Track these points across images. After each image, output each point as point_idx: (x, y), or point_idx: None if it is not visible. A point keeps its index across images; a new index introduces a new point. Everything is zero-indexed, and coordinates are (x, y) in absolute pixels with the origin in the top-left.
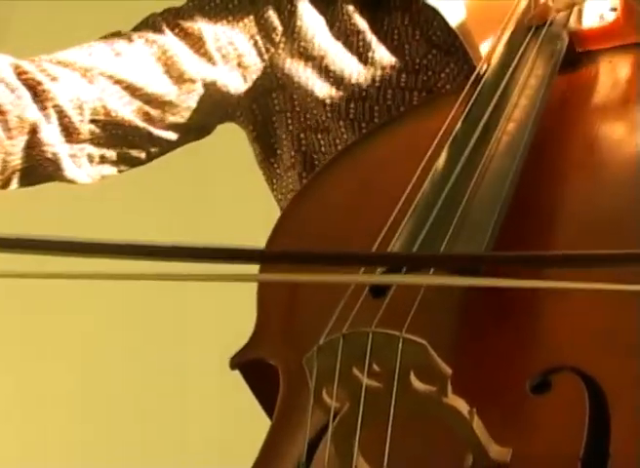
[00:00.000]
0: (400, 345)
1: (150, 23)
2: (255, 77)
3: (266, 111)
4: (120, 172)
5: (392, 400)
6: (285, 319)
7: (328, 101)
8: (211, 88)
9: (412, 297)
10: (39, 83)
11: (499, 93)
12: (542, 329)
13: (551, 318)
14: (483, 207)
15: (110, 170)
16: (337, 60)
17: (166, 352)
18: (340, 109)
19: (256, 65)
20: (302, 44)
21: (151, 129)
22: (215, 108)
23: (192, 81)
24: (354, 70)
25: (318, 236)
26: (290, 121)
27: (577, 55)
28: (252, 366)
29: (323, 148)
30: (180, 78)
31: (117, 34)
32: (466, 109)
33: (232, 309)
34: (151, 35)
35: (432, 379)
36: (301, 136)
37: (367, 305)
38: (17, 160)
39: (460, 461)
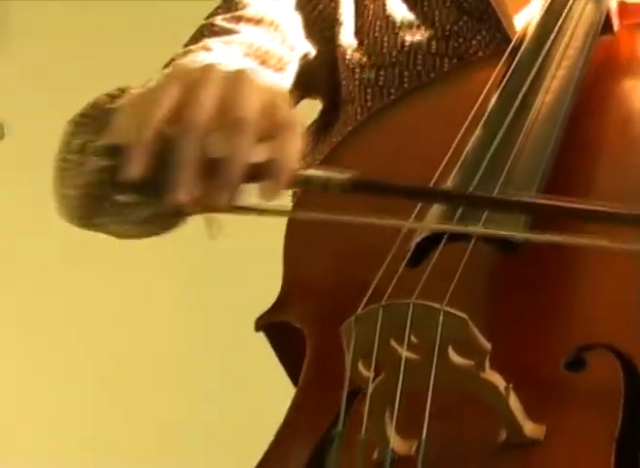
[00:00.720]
0: (440, 318)
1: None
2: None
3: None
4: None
5: (431, 372)
6: (314, 280)
7: (357, 70)
8: (303, 63)
9: (452, 269)
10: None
11: (537, 64)
12: (578, 304)
13: (588, 294)
14: (524, 179)
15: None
16: (369, 28)
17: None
18: (369, 78)
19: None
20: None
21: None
22: (305, 84)
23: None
24: (385, 36)
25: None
26: (353, 94)
27: (613, 27)
28: (277, 328)
29: (348, 120)
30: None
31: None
32: (504, 80)
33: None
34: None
35: (471, 354)
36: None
37: (406, 275)
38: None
39: (493, 437)
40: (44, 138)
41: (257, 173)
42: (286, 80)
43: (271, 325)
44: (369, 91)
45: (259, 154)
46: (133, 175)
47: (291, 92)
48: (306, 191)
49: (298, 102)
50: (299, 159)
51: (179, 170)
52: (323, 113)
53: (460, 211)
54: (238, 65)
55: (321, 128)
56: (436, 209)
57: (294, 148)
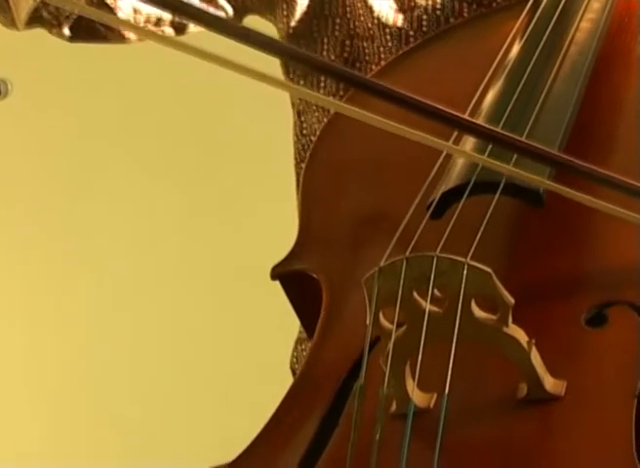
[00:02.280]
0: (464, 272)
1: None
2: None
3: (313, 13)
4: None
5: (455, 326)
6: (331, 230)
7: (376, 8)
8: None
9: (476, 222)
10: None
11: (559, 14)
12: (601, 262)
13: (610, 252)
14: (546, 131)
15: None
16: None
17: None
18: (387, 17)
19: None
20: None
21: None
22: None
23: None
24: None
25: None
26: (338, 26)
27: None
28: (293, 277)
29: (367, 57)
30: None
31: None
32: (527, 31)
33: None
34: None
35: (494, 308)
36: (347, 42)
37: (428, 227)
38: None
39: (514, 391)
40: (47, 96)
41: None
42: None
43: (287, 273)
44: (387, 31)
45: None
46: None
47: None
48: None
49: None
50: None
51: None
52: (296, 38)
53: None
54: None
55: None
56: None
57: None
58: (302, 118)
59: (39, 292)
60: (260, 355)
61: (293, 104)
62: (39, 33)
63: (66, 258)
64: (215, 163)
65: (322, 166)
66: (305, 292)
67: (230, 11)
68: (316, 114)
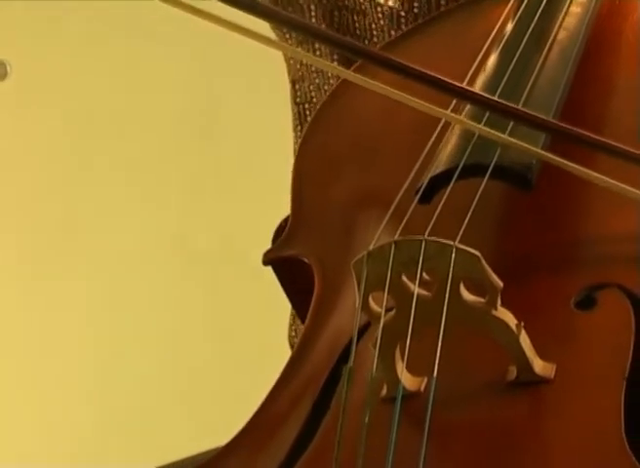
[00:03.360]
0: (453, 255)
1: None
2: None
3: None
4: None
5: (443, 309)
6: (323, 215)
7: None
8: None
9: (465, 205)
10: None
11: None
12: (590, 245)
13: (600, 235)
14: (538, 106)
15: None
16: None
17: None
18: (391, 17)
19: None
20: None
21: None
22: None
23: None
24: None
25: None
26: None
27: None
28: (285, 263)
29: (358, 31)
30: None
31: None
32: (517, 15)
33: None
34: None
35: (482, 291)
36: (335, 13)
37: (417, 211)
38: None
39: (503, 374)
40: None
41: None
42: None
43: (279, 259)
44: (379, 9)
45: None
46: None
47: None
48: None
49: None
50: None
51: None
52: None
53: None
54: None
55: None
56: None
57: None
58: (297, 86)
59: (32, 280)
60: (254, 341)
61: (288, 72)
62: (39, 15)
63: (63, 242)
64: (210, 147)
65: (314, 150)
66: (297, 277)
67: None
68: (317, 81)
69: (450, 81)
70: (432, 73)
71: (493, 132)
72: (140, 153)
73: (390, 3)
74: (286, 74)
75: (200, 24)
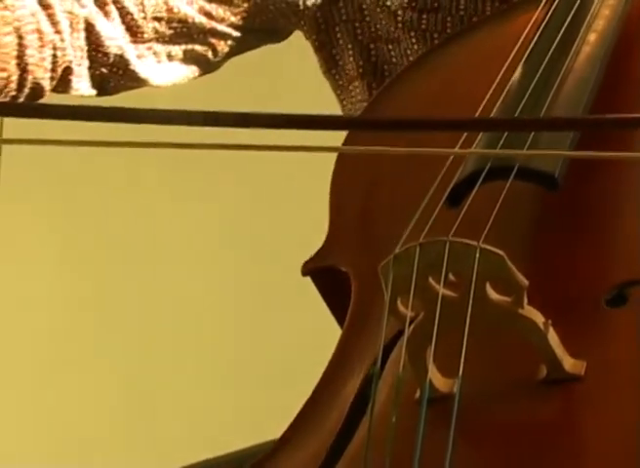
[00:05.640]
0: (477, 255)
1: None
2: None
3: (331, 20)
4: (192, 73)
5: (468, 310)
6: (358, 224)
7: (400, 12)
8: None
9: (490, 207)
10: None
11: (578, 1)
12: (619, 242)
13: (628, 232)
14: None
15: (180, 69)
16: None
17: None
18: (412, 20)
19: None
20: None
21: (215, 25)
22: (279, 14)
23: None
24: None
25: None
26: (359, 31)
27: None
28: (323, 273)
29: (394, 59)
30: None
31: None
32: (545, 20)
33: None
34: None
35: (508, 290)
36: (371, 46)
37: (443, 214)
38: (69, 56)
39: (533, 373)
40: None
41: None
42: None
43: (318, 269)
44: (412, 34)
45: None
46: None
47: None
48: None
49: (273, 28)
50: None
51: None
52: (321, 49)
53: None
54: None
55: (330, 65)
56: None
57: None
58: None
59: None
60: (292, 351)
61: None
62: None
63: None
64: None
65: (352, 161)
66: (336, 286)
67: (236, 33)
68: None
69: (458, 118)
70: (440, 118)
71: (511, 151)
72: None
73: (423, 26)
74: None
75: None
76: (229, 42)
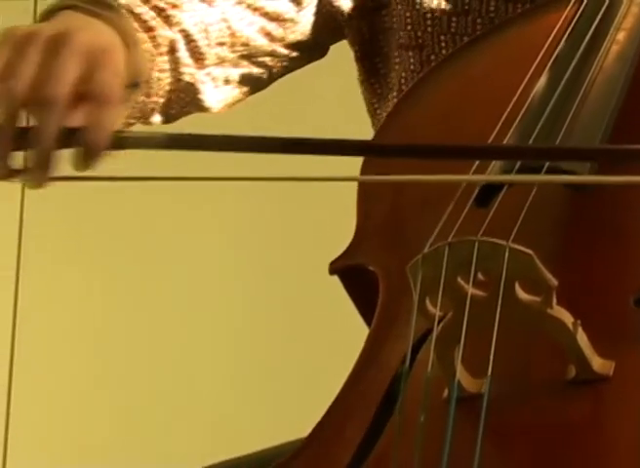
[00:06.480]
0: (506, 255)
1: None
2: None
3: (374, 29)
4: (243, 95)
5: (497, 309)
6: (386, 224)
7: (429, 15)
8: (325, 3)
9: (518, 207)
10: (163, 9)
11: (607, 2)
12: None
13: None
14: (592, 114)
15: (234, 92)
16: None
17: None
18: (441, 24)
19: None
20: None
21: (275, 47)
22: (327, 25)
23: None
24: None
25: (421, 140)
26: (402, 40)
27: None
28: (351, 272)
29: (412, 66)
30: None
31: None
32: (574, 19)
33: None
34: None
35: (537, 290)
36: (410, 53)
37: (472, 215)
38: (167, 78)
39: (562, 373)
40: None
41: (71, 139)
42: (304, 13)
43: (345, 268)
44: (442, 38)
45: (72, 121)
46: None
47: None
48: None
49: (323, 42)
50: (112, 126)
51: None
52: (363, 58)
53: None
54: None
55: (370, 74)
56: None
57: (107, 117)
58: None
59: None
60: (319, 350)
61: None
62: None
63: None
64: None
65: (380, 161)
66: (363, 285)
67: (292, 53)
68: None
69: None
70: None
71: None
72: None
73: (453, 29)
74: None
75: None
76: (285, 63)
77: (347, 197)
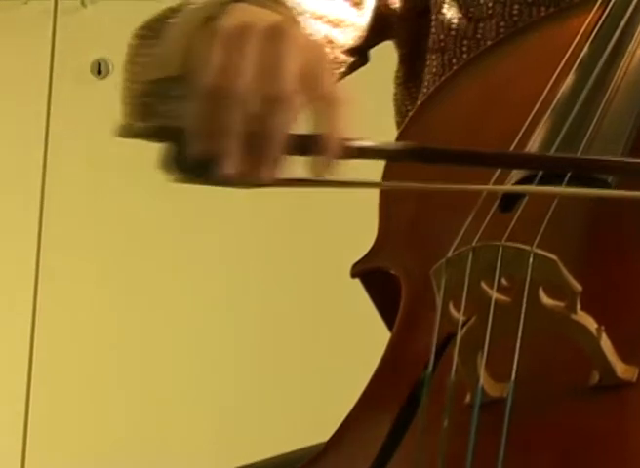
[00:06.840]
0: (530, 260)
1: None
2: None
3: (421, 32)
4: None
5: (521, 314)
6: (409, 227)
7: (455, 21)
8: (380, 4)
9: (542, 212)
10: None
11: (633, 5)
12: None
13: None
14: (617, 120)
15: None
16: None
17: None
18: (467, 29)
19: None
20: None
21: (336, 53)
22: (377, 27)
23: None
24: None
25: (443, 143)
26: (443, 44)
27: None
28: (373, 275)
29: (434, 69)
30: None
31: None
32: (599, 23)
33: None
34: None
35: (561, 295)
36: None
37: (496, 219)
38: None
39: (586, 379)
40: None
41: (304, 145)
42: (364, 17)
43: (367, 271)
44: (465, 43)
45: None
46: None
47: (365, 32)
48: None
49: (370, 45)
50: (348, 130)
51: (223, 141)
52: (406, 61)
53: (554, 148)
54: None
55: (410, 77)
56: (533, 146)
57: (342, 120)
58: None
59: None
60: (337, 354)
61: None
62: (137, 14)
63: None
64: None
65: (402, 165)
66: (385, 288)
67: (350, 59)
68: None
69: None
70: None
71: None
72: None
73: (478, 35)
74: None
75: None
76: (342, 69)
77: (365, 199)
